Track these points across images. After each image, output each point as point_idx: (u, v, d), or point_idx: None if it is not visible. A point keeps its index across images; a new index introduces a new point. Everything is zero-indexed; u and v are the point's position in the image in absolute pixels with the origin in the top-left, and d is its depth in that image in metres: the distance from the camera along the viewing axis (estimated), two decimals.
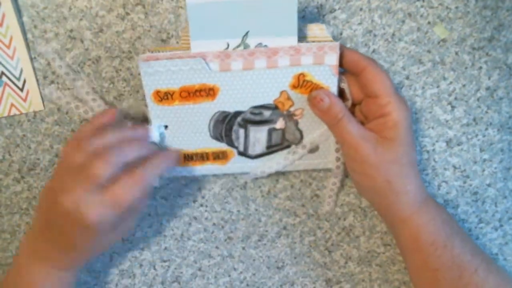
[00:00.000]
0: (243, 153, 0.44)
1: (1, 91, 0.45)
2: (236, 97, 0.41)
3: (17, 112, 0.46)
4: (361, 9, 0.43)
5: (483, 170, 0.48)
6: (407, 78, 0.45)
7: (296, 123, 0.43)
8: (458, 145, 0.47)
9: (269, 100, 0.42)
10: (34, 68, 0.45)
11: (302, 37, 0.40)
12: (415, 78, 0.45)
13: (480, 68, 0.45)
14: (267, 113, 0.42)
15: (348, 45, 0.44)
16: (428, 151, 0.47)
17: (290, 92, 0.41)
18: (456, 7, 0.43)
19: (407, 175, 0.40)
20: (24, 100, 0.46)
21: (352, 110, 0.42)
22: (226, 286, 0.52)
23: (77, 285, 0.44)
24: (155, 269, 0.51)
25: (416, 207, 0.41)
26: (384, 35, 0.44)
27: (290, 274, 0.51)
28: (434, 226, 0.40)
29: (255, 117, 0.42)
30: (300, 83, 0.41)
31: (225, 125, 0.43)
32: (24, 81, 0.45)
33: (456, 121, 0.46)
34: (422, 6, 0.43)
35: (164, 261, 0.51)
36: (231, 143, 0.44)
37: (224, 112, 0.42)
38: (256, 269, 0.51)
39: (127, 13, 0.43)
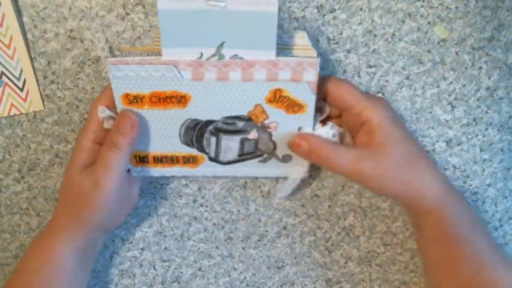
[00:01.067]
0: (214, 159, 0.43)
1: (1, 91, 0.45)
2: (208, 106, 0.40)
3: (17, 112, 0.46)
4: (361, 9, 0.43)
5: (483, 170, 0.48)
6: (407, 78, 0.45)
7: (270, 135, 0.42)
8: (458, 145, 0.47)
9: (243, 112, 0.41)
10: (34, 68, 0.45)
11: (280, 45, 0.39)
12: (415, 78, 0.45)
13: (480, 68, 0.45)
14: (240, 124, 0.41)
15: (348, 45, 0.44)
16: (428, 151, 0.47)
17: (265, 105, 0.40)
18: (456, 7, 0.43)
19: (419, 169, 0.39)
20: (24, 100, 0.46)
21: (338, 122, 0.42)
22: (226, 286, 0.52)
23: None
24: (155, 269, 0.51)
25: (440, 199, 0.39)
26: (384, 35, 0.44)
27: (290, 274, 0.51)
28: (458, 218, 0.40)
29: (227, 127, 0.41)
30: (276, 98, 0.40)
31: (196, 132, 0.42)
32: (24, 81, 0.45)
33: (456, 121, 0.46)
34: (422, 6, 0.43)
35: (164, 261, 0.51)
36: (202, 149, 0.43)
37: (195, 119, 0.41)
38: (256, 269, 0.51)
39: (127, 13, 0.43)
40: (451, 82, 0.45)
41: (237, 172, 0.44)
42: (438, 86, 0.45)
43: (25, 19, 0.44)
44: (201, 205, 0.49)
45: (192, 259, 0.51)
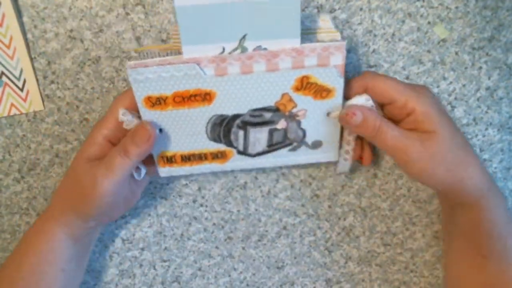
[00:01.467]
0: (243, 152, 0.43)
1: (1, 91, 0.45)
2: (234, 101, 0.39)
3: (17, 112, 0.46)
4: (361, 9, 0.43)
5: None
6: (407, 78, 0.45)
7: (299, 123, 0.41)
8: None
9: (269, 102, 0.40)
10: (34, 68, 0.45)
11: (304, 30, 0.38)
12: (415, 78, 0.45)
13: (480, 68, 0.45)
14: (267, 115, 0.41)
15: (348, 46, 0.44)
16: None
17: (292, 94, 0.39)
18: (456, 7, 0.43)
19: (465, 159, 0.39)
20: (24, 100, 0.46)
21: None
22: (226, 286, 0.52)
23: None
24: (155, 269, 0.51)
25: (480, 193, 0.39)
26: (384, 35, 0.44)
27: (290, 274, 0.51)
28: (495, 214, 0.39)
29: (255, 119, 0.41)
30: (304, 85, 0.39)
31: (223, 128, 0.41)
32: (24, 81, 0.45)
33: (456, 121, 0.46)
34: (422, 6, 0.43)
35: (164, 261, 0.51)
36: (230, 144, 0.42)
37: (221, 115, 0.40)
38: (256, 269, 0.51)
39: (127, 13, 0.43)
40: (451, 82, 0.45)
41: (266, 163, 0.43)
42: (438, 86, 0.45)
43: (25, 19, 0.44)
44: (201, 205, 0.49)
45: (192, 259, 0.51)
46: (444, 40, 0.44)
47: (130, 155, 0.38)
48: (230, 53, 0.37)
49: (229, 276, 0.51)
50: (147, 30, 0.44)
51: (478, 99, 0.46)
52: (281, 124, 0.41)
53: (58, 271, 0.41)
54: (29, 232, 0.43)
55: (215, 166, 0.43)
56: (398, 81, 0.39)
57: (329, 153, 0.43)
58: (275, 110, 0.40)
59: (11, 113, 0.46)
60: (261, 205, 0.49)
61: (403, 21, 0.44)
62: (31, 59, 0.45)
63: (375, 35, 0.44)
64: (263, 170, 0.48)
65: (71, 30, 0.44)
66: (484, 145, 0.47)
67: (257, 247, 0.51)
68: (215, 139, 0.42)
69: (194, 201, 0.49)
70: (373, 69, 0.45)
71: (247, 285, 0.52)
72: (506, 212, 0.40)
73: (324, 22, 0.40)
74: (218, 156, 0.43)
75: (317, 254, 0.51)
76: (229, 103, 0.40)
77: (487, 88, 0.45)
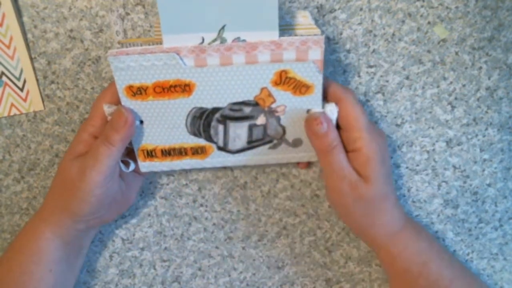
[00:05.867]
0: (223, 148, 0.43)
1: (1, 91, 0.45)
2: (213, 93, 0.40)
3: (17, 112, 0.46)
4: (361, 9, 0.43)
5: (483, 170, 0.48)
6: (407, 78, 0.45)
7: (278, 119, 0.41)
8: (458, 145, 0.47)
9: (249, 96, 0.40)
10: (34, 68, 0.45)
11: (284, 26, 0.39)
12: (415, 78, 0.45)
13: (480, 68, 0.45)
14: (247, 110, 0.40)
15: (348, 45, 0.44)
16: (428, 151, 0.47)
17: (271, 88, 0.39)
18: (456, 7, 0.43)
19: (382, 209, 0.41)
20: (24, 100, 0.46)
21: None
22: (226, 286, 0.52)
23: (80, 277, 0.44)
24: (155, 269, 0.51)
25: (391, 236, 0.41)
26: (384, 35, 0.44)
27: (290, 274, 0.51)
28: (409, 254, 0.41)
29: (234, 114, 0.41)
30: (283, 80, 0.39)
31: (203, 121, 0.41)
32: (24, 81, 0.45)
33: (456, 121, 0.46)
34: (422, 6, 0.43)
35: (164, 261, 0.51)
36: (209, 139, 0.42)
37: (201, 108, 0.40)
38: (256, 269, 0.51)
39: (127, 13, 0.43)
40: (451, 82, 0.45)
41: (247, 161, 0.43)
42: (438, 86, 0.45)
43: (25, 19, 0.44)
44: (201, 205, 0.49)
45: (192, 259, 0.51)
46: (444, 40, 0.44)
47: (112, 141, 0.39)
48: (209, 43, 0.37)
49: (229, 276, 0.51)
50: (147, 30, 0.44)
51: (478, 99, 0.46)
52: (261, 120, 0.41)
53: (46, 271, 0.41)
54: (20, 233, 0.43)
55: (196, 162, 0.43)
56: (365, 117, 0.39)
57: (310, 152, 0.43)
58: (255, 104, 0.40)
59: (11, 113, 0.46)
60: (261, 205, 0.49)
61: (403, 21, 0.44)
62: (31, 59, 0.45)
63: (375, 35, 0.44)
64: (263, 170, 0.48)
65: (71, 30, 0.44)
66: (484, 145, 0.47)
67: (257, 247, 0.51)
68: (195, 133, 0.42)
69: (194, 201, 0.49)
70: (373, 69, 0.45)
71: (247, 285, 0.52)
72: (424, 250, 0.42)
73: (304, 19, 0.40)
74: (198, 151, 0.43)
75: (317, 254, 0.51)
76: (209, 95, 0.40)
77: (487, 88, 0.45)
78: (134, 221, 0.50)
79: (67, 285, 0.45)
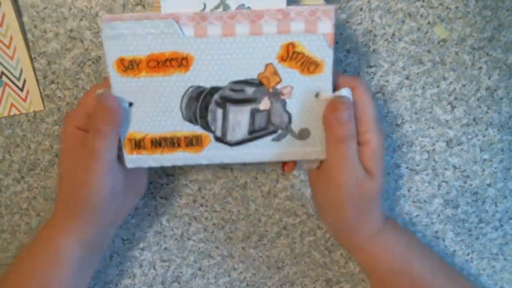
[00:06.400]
0: (221, 139, 0.38)
1: (1, 91, 0.45)
2: (213, 69, 0.36)
3: (17, 112, 0.46)
4: (361, 9, 0.43)
5: (483, 170, 0.48)
6: (407, 78, 0.45)
7: (284, 103, 0.37)
8: (458, 145, 0.47)
9: (252, 74, 0.36)
10: (34, 68, 0.45)
11: (292, 1, 0.36)
12: (415, 78, 0.45)
13: (480, 68, 0.45)
14: (249, 90, 0.37)
15: (348, 46, 0.44)
16: (428, 151, 0.47)
17: (277, 65, 0.36)
18: (456, 7, 0.43)
19: (375, 205, 0.40)
20: (24, 100, 0.46)
21: None
22: (226, 286, 0.52)
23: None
24: (155, 269, 0.51)
25: (371, 237, 0.40)
26: (384, 35, 0.44)
27: (290, 274, 0.51)
28: (389, 253, 0.41)
29: (235, 95, 0.37)
30: (290, 55, 0.35)
31: (200, 103, 0.37)
32: (24, 81, 0.45)
33: (456, 121, 0.46)
34: (422, 6, 0.43)
35: (164, 261, 0.51)
36: (206, 126, 0.38)
37: (199, 87, 0.36)
38: (256, 269, 0.51)
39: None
40: (451, 82, 0.45)
41: (247, 156, 0.39)
42: (438, 86, 0.45)
43: (25, 19, 0.44)
44: (201, 205, 0.49)
45: (192, 259, 0.51)
46: (444, 40, 0.44)
47: (104, 134, 0.37)
48: (211, 10, 0.34)
49: (229, 276, 0.51)
50: None
51: (478, 99, 0.46)
52: (265, 104, 0.37)
53: (68, 278, 0.40)
54: (35, 238, 0.42)
55: (189, 156, 0.39)
56: (375, 111, 0.38)
57: (317, 147, 0.39)
58: (258, 84, 0.37)
59: (11, 113, 0.46)
60: (261, 205, 0.49)
61: (403, 21, 0.44)
62: (31, 59, 0.45)
63: (375, 35, 0.44)
64: (263, 170, 0.48)
65: (71, 30, 0.44)
66: (484, 145, 0.47)
67: (257, 247, 0.51)
68: (191, 119, 0.38)
69: (194, 201, 0.49)
70: (373, 69, 0.45)
71: (247, 285, 0.52)
72: (405, 248, 0.41)
73: None
74: (193, 142, 0.39)
75: (317, 254, 0.51)
76: (208, 71, 0.36)
77: (487, 88, 0.45)
78: (134, 221, 0.50)
79: (84, 284, 0.44)
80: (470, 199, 0.48)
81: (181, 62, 0.36)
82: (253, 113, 0.38)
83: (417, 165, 0.48)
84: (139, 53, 0.35)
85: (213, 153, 0.39)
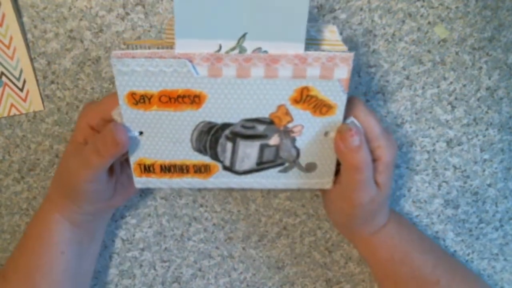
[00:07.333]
0: (229, 168, 0.39)
1: (1, 91, 0.45)
2: (225, 107, 0.36)
3: (17, 112, 0.46)
4: (361, 9, 0.43)
5: (484, 170, 0.48)
6: (407, 78, 0.45)
7: (293, 140, 0.37)
8: (459, 145, 0.47)
9: (264, 113, 0.36)
10: (34, 68, 0.45)
11: (308, 40, 0.35)
12: (415, 78, 0.45)
13: (480, 68, 0.45)
14: (260, 128, 0.36)
15: (348, 45, 0.44)
16: (428, 151, 0.47)
17: (289, 106, 0.36)
18: (456, 7, 0.43)
19: (382, 209, 0.41)
20: (24, 100, 0.46)
21: None
22: (226, 287, 0.52)
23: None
24: (155, 269, 0.51)
25: (375, 231, 0.42)
26: (384, 35, 0.44)
27: (290, 274, 0.51)
28: (391, 244, 0.42)
29: (246, 131, 0.37)
30: (303, 98, 0.35)
31: (210, 137, 0.37)
32: (24, 81, 0.45)
33: (456, 121, 0.46)
34: (422, 6, 0.43)
35: (164, 262, 0.51)
36: (215, 157, 0.38)
37: (210, 122, 0.36)
38: (256, 269, 0.51)
39: (127, 13, 0.43)
40: (451, 82, 0.45)
41: (253, 184, 0.39)
42: (438, 86, 0.45)
43: (25, 19, 0.44)
44: (201, 205, 0.49)
45: (192, 260, 0.51)
46: (444, 40, 0.44)
47: (103, 155, 0.37)
48: (227, 52, 0.34)
49: (229, 276, 0.51)
50: (147, 30, 0.44)
51: (478, 99, 0.46)
52: (274, 140, 0.37)
53: (58, 253, 0.41)
54: (33, 216, 0.44)
55: (197, 181, 0.39)
56: (380, 125, 0.37)
57: (323, 179, 0.40)
58: (270, 122, 0.36)
59: (11, 113, 0.46)
60: (261, 205, 0.49)
61: (403, 21, 0.44)
62: (31, 59, 0.45)
63: (375, 35, 0.44)
64: None
65: (71, 30, 0.44)
66: (485, 145, 0.47)
67: (257, 247, 0.51)
68: (200, 149, 0.38)
69: (194, 201, 0.49)
70: (373, 69, 0.45)
71: (247, 285, 0.52)
72: (407, 240, 0.42)
73: (331, 34, 0.37)
74: (201, 170, 0.39)
75: (317, 254, 0.51)
76: (220, 109, 0.36)
77: (488, 88, 0.45)
78: (134, 221, 0.50)
79: (83, 272, 0.44)
80: (470, 199, 0.48)
81: (193, 99, 0.35)
82: (263, 147, 0.38)
83: (417, 165, 0.48)
84: (151, 88, 0.35)
85: (220, 180, 0.39)
